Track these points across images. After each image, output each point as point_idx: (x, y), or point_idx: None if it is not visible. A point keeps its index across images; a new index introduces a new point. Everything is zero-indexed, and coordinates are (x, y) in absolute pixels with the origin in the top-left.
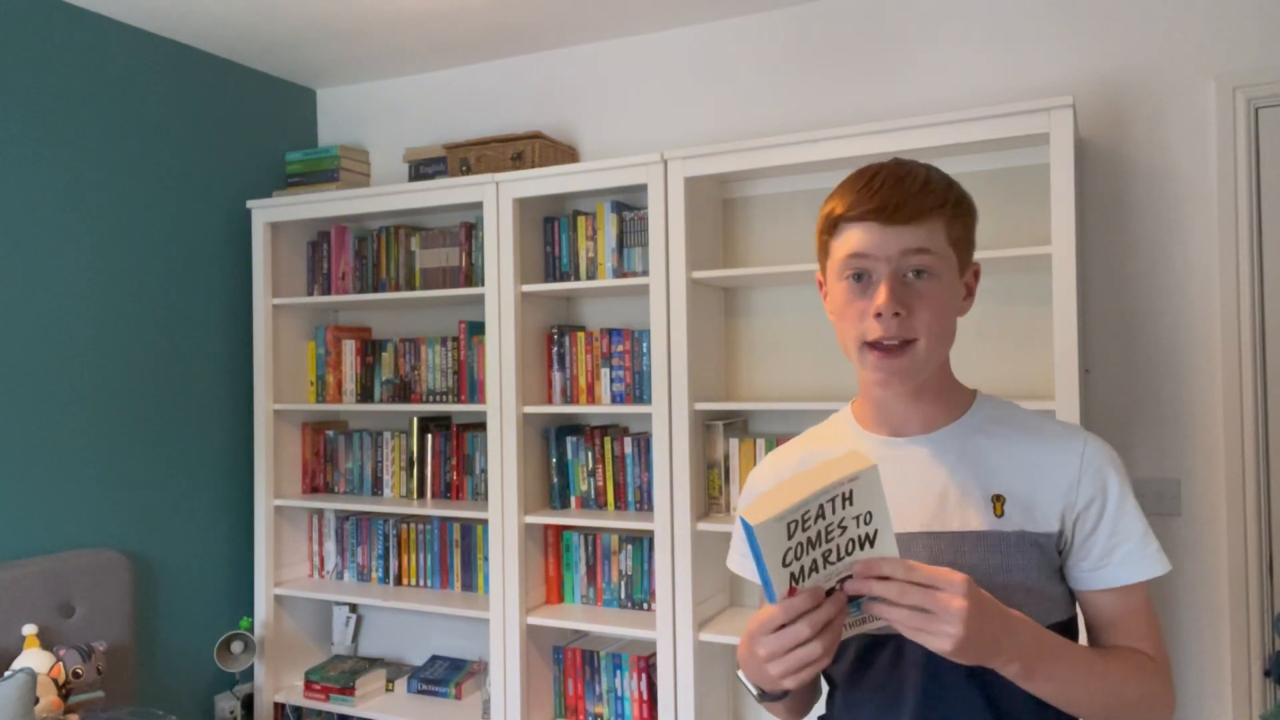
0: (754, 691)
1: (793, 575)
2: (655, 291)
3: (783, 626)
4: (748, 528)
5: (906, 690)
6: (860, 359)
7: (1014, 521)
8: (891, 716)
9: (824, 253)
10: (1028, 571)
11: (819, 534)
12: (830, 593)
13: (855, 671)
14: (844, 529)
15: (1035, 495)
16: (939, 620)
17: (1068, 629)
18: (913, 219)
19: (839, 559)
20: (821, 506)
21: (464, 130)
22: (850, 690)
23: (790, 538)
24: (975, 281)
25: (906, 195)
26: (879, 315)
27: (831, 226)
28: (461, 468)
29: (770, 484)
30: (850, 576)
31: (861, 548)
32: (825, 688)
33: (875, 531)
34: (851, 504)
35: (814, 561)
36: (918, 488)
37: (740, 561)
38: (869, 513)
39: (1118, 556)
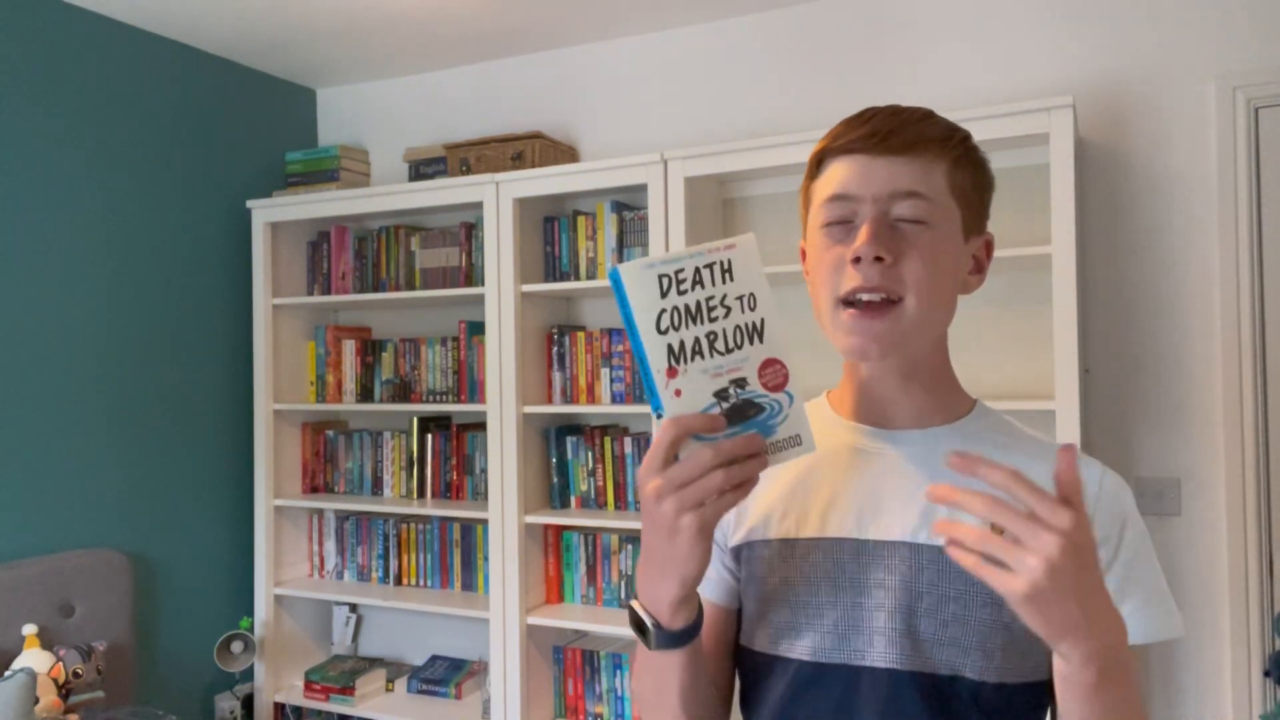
0: (649, 623)
1: (671, 350)
2: None
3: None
4: (614, 275)
5: None
6: (833, 321)
7: None
8: None
9: (806, 205)
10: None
11: (699, 306)
12: (730, 410)
13: (789, 707)
14: (728, 310)
15: None
16: (1021, 549)
17: (1047, 694)
18: (907, 150)
19: (728, 349)
20: (699, 271)
21: (464, 130)
22: None
23: (664, 295)
24: (987, 257)
25: (902, 123)
26: (858, 261)
27: (815, 166)
28: (461, 468)
29: None
30: (743, 380)
31: (750, 340)
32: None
33: (762, 321)
34: (732, 278)
35: (697, 341)
36: (902, 490)
37: None
38: (752, 295)
39: (1125, 609)
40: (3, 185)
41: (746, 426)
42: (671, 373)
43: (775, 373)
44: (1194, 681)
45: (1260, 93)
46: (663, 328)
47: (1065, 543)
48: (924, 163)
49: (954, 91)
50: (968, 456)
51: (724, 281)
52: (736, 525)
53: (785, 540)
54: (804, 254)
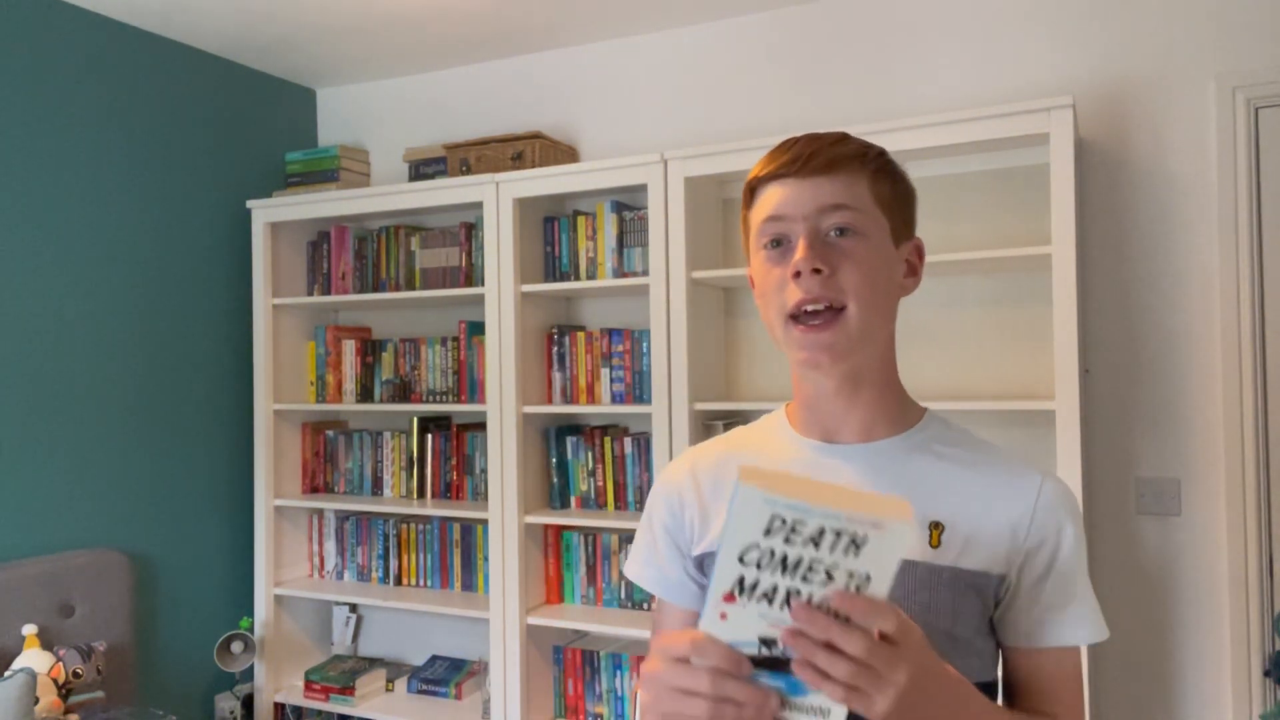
0: None
1: (741, 581)
2: (655, 291)
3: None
4: (735, 485)
5: None
6: (785, 338)
7: (950, 555)
8: None
9: (746, 233)
10: (957, 617)
11: (798, 563)
12: (767, 659)
13: None
14: (828, 579)
15: (979, 530)
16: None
17: (989, 692)
18: (827, 169)
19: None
20: (822, 530)
21: (464, 130)
22: None
23: (767, 534)
24: (920, 260)
25: (821, 146)
26: (798, 275)
27: (749, 196)
28: (461, 468)
29: (687, 481)
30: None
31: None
32: None
33: None
34: (857, 555)
35: (774, 589)
36: None
37: (637, 570)
38: (868, 576)
39: (1070, 613)
40: (2, 185)
41: (776, 678)
42: (729, 598)
43: None
44: (1194, 681)
45: (1260, 93)
46: (746, 560)
47: (856, 668)
48: (845, 178)
49: (954, 92)
50: (841, 603)
51: (845, 555)
52: (700, 535)
53: None
54: (753, 280)
